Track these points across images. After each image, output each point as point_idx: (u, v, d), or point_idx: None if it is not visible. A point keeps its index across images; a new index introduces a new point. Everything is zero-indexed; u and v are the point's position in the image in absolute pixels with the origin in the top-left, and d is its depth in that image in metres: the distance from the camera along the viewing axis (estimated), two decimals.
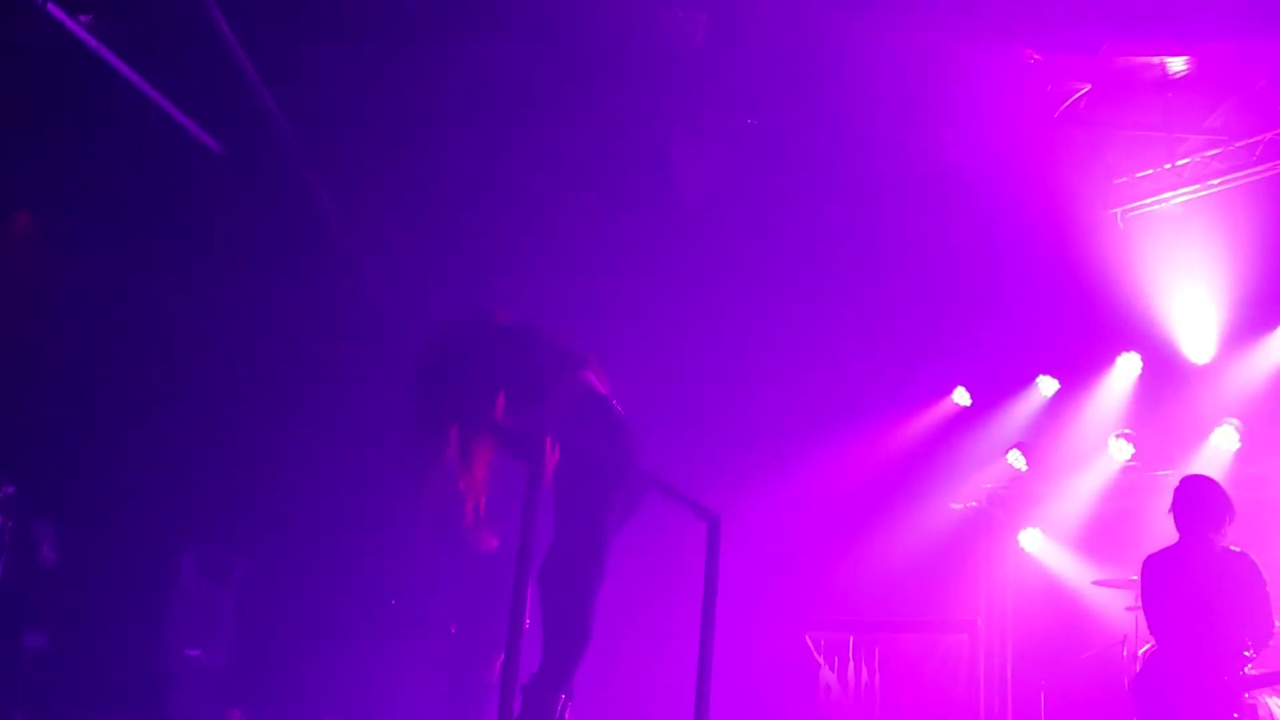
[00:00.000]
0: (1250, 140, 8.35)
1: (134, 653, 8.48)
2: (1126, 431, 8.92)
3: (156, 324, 8.93)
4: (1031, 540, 9.44)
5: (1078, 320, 9.17)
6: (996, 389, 9.74)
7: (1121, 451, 8.89)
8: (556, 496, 4.15)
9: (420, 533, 8.78)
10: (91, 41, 6.78)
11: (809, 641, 8.86)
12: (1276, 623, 5.61)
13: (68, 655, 8.19)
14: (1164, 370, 8.91)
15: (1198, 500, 5.80)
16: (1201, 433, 8.53)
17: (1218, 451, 8.39)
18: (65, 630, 8.23)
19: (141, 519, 8.67)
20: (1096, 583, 7.91)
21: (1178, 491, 5.90)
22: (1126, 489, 8.96)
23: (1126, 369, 9.14)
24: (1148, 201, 8.89)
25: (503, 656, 7.25)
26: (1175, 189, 8.74)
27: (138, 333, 8.86)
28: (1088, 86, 8.12)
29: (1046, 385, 9.57)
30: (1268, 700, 5.67)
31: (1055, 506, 9.37)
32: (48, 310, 8.61)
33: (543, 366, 4.37)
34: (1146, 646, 6.23)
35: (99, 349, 8.76)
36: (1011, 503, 9.72)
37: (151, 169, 7.87)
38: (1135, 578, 6.12)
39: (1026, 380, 9.63)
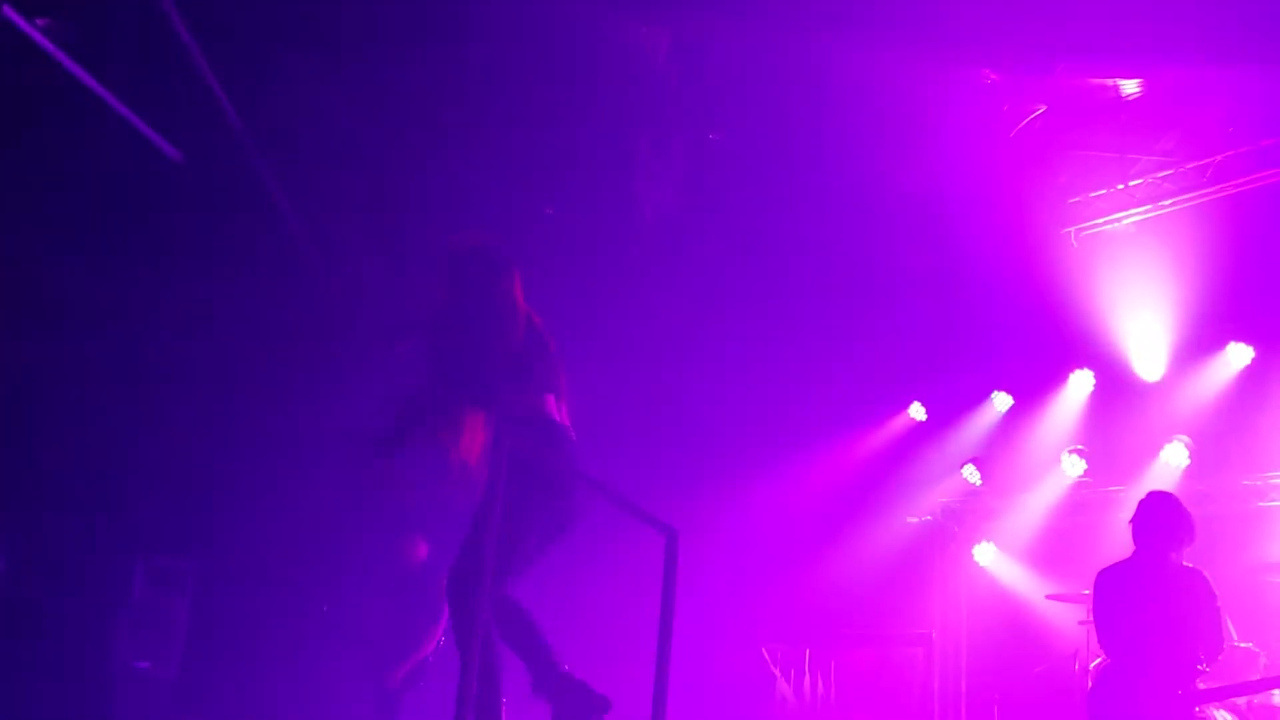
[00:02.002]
0: (1201, 162, 8.50)
1: (82, 664, 8.36)
2: (1079, 447, 9.02)
3: (109, 330, 8.83)
4: (986, 554, 9.52)
5: (1032, 337, 9.28)
6: (952, 404, 9.83)
7: (1074, 467, 8.99)
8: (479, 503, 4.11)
9: (357, 540, 8.76)
10: (49, 46, 6.70)
11: (765, 654, 8.89)
12: (1227, 637, 5.69)
13: (15, 666, 8.06)
14: (1116, 387, 9.02)
15: (1161, 517, 5.79)
16: (1152, 449, 8.65)
17: (1168, 467, 8.50)
18: (13, 641, 8.10)
19: (92, 529, 8.56)
20: (1050, 596, 7.98)
21: (1142, 505, 5.89)
22: (1079, 504, 9.07)
23: (1079, 386, 9.24)
24: (1100, 221, 9.03)
25: (410, 662, 7.34)
26: (1128, 209, 8.89)
27: (89, 339, 8.76)
28: (1043, 108, 8.22)
29: (1001, 401, 9.66)
30: (1218, 714, 5.74)
31: (1009, 521, 9.47)
32: None
33: (506, 374, 4.32)
34: (1098, 660, 6.28)
35: (49, 355, 8.65)
36: (966, 517, 9.81)
37: (109, 176, 7.79)
38: (1088, 592, 6.16)
39: (981, 396, 9.73)
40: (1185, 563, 5.80)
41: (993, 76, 7.89)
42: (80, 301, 8.55)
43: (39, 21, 6.71)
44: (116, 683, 8.38)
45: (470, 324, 4.32)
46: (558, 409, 4.36)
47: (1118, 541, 6.09)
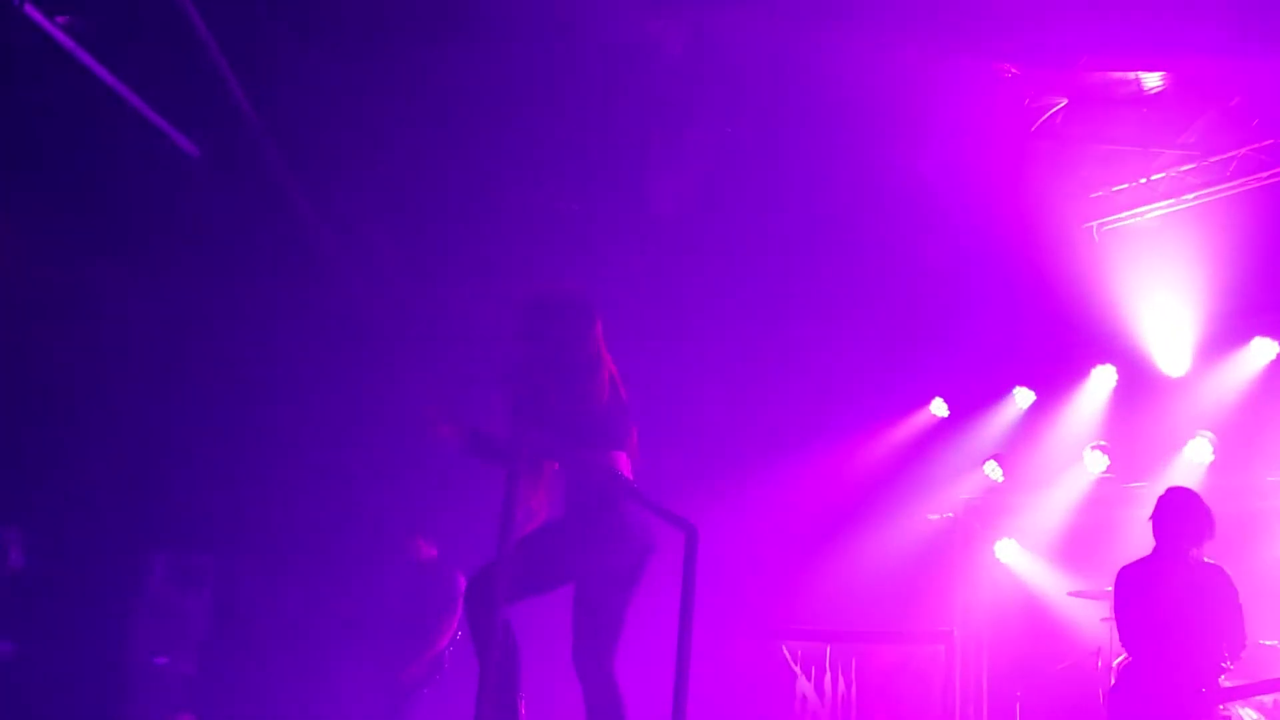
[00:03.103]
0: (1224, 156, 8.40)
1: (101, 660, 8.40)
2: (1101, 443, 8.96)
3: (129, 327, 8.86)
4: (1007, 551, 9.47)
5: (1054, 333, 9.21)
6: (973, 401, 9.77)
7: (1096, 463, 8.93)
8: (540, 531, 4.12)
9: (373, 538, 8.77)
10: (69, 43, 6.72)
11: (785, 652, 8.86)
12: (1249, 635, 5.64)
13: (34, 661, 8.11)
14: (1139, 383, 8.95)
15: (1181, 513, 5.75)
16: (1176, 445, 8.57)
17: (1191, 464, 8.43)
18: (31, 636, 8.15)
19: (111, 523, 8.61)
20: (1072, 594, 7.93)
21: (1161, 501, 5.85)
22: (1101, 500, 9.00)
23: (1102, 381, 9.18)
24: (1123, 215, 8.95)
25: (425, 657, 7.37)
26: (1150, 203, 8.80)
27: (108, 336, 8.79)
28: (1064, 101, 8.15)
29: (1023, 397, 9.60)
30: (1242, 712, 5.69)
31: (1031, 518, 9.41)
32: (16, 313, 8.53)
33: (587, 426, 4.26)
34: (1121, 658, 6.24)
35: (68, 352, 8.69)
36: (987, 514, 9.75)
37: (127, 172, 7.82)
38: (1110, 589, 6.13)
39: (1003, 392, 9.66)
40: (1206, 559, 5.75)
41: (1013, 70, 7.83)
42: (99, 296, 8.58)
43: (59, 19, 6.73)
44: (135, 677, 8.42)
45: (554, 382, 4.25)
46: (627, 465, 4.34)
47: (1140, 538, 6.05)
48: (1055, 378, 9.39)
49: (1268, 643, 6.49)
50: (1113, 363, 9.10)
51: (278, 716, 8.64)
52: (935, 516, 9.77)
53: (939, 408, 9.89)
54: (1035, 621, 9.02)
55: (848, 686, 8.77)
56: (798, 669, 8.83)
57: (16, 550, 8.25)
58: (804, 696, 8.76)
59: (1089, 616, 7.79)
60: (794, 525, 9.63)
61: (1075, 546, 9.00)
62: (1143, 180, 8.77)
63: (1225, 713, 5.60)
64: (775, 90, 7.97)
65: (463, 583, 7.56)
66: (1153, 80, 7.85)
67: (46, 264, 8.48)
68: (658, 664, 4.91)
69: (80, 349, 8.70)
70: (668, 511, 4.28)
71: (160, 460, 8.92)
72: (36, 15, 6.49)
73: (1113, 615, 6.10)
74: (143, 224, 8.21)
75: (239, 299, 9.02)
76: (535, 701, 4.43)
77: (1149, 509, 5.95)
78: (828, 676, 8.79)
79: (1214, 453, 8.38)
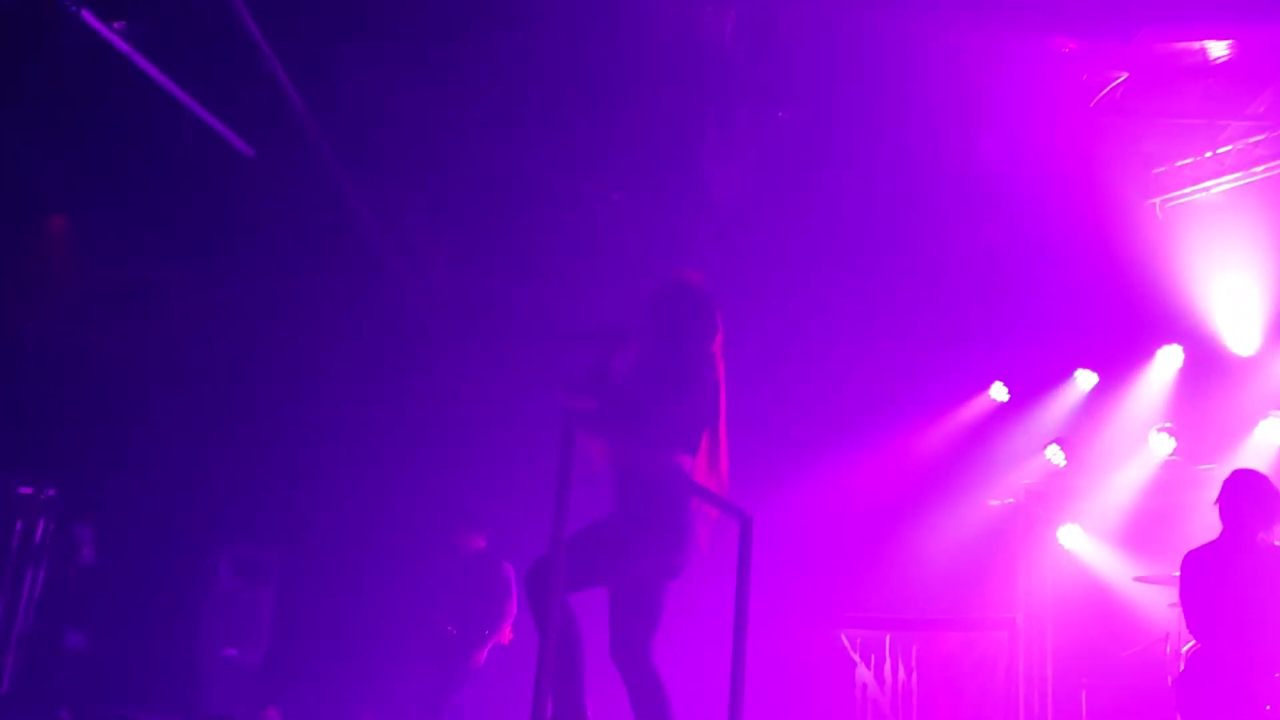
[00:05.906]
0: None
1: (171, 652, 8.58)
2: (1168, 425, 8.78)
3: (193, 326, 9.02)
4: (1071, 536, 9.32)
5: (1117, 313, 9.04)
6: (1035, 384, 9.62)
7: (1163, 446, 8.75)
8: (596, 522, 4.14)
9: (430, 531, 8.85)
10: (125, 47, 6.83)
11: (845, 640, 8.80)
12: None
13: (107, 654, 8.30)
14: (1206, 362, 8.76)
15: (1248, 495, 5.64)
16: (1246, 426, 8.39)
17: (1262, 445, 8.24)
18: (105, 630, 8.34)
19: (179, 520, 8.77)
20: (1138, 579, 7.79)
21: (1227, 484, 5.74)
22: (1168, 484, 8.82)
23: (1167, 362, 9.00)
24: (1188, 190, 8.73)
25: (487, 645, 7.44)
26: (1217, 177, 8.58)
27: (174, 335, 8.95)
28: (1125, 75, 7.97)
29: (1085, 379, 9.44)
30: None
31: (1095, 502, 9.24)
32: (86, 313, 8.71)
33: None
34: (1190, 644, 6.13)
35: (137, 352, 8.85)
36: (1050, 499, 9.59)
37: (184, 173, 7.94)
38: (1177, 574, 6.02)
39: (1065, 374, 9.51)
40: (1276, 542, 5.63)
41: (1071, 45, 7.67)
42: (161, 296, 8.74)
43: (116, 24, 6.84)
44: (205, 669, 8.59)
45: (655, 368, 4.30)
46: (702, 471, 4.33)
47: (1208, 522, 5.93)
48: (1119, 359, 9.22)
49: None
50: (1179, 342, 8.91)
51: (337, 705, 8.76)
52: (997, 502, 9.64)
53: (999, 392, 9.75)
54: (1100, 608, 8.87)
55: (908, 674, 8.68)
56: (857, 657, 8.75)
57: (88, 547, 8.45)
58: (864, 685, 8.69)
59: (1156, 602, 7.65)
60: (853, 512, 9.55)
61: (1141, 531, 8.83)
62: (1209, 154, 8.55)
63: None
64: (829, 73, 7.89)
65: (510, 572, 7.63)
66: (1218, 50, 7.64)
67: (109, 264, 8.65)
68: (714, 653, 4.90)
69: (146, 348, 8.86)
70: (723, 500, 4.27)
71: (225, 457, 9.07)
72: (93, 20, 6.60)
73: (1179, 601, 6.00)
74: (200, 224, 8.35)
75: (299, 296, 9.13)
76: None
77: (1217, 492, 5.83)
78: (888, 664, 8.71)
79: None
